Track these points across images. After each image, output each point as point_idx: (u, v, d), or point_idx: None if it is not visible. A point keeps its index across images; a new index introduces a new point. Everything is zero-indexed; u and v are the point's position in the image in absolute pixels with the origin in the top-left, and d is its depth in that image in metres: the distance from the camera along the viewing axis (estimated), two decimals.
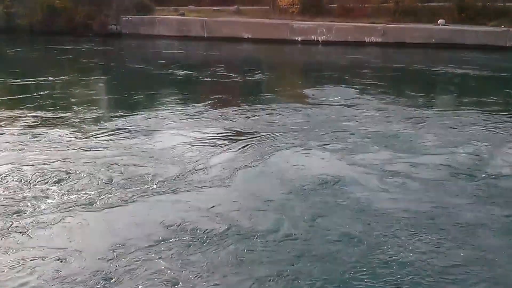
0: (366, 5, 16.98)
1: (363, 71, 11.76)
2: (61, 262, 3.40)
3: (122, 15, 18.25)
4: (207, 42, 16.90)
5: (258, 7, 18.46)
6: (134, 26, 18.27)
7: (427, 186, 4.72)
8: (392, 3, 16.50)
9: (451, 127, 6.71)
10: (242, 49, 16.05)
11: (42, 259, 3.45)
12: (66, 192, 4.46)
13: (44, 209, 4.16)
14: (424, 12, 16.06)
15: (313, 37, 16.41)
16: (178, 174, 4.91)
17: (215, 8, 18.71)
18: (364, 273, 3.32)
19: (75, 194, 4.44)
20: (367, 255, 3.52)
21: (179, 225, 3.91)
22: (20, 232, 3.79)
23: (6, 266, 3.36)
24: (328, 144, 5.93)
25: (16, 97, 9.03)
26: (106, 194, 4.43)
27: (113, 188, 4.56)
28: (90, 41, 16.84)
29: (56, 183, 4.67)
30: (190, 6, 18.99)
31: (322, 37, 16.33)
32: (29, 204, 4.25)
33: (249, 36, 16.93)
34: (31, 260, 3.44)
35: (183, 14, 17.99)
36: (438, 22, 15.43)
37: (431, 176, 4.94)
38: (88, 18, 18.09)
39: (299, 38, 16.51)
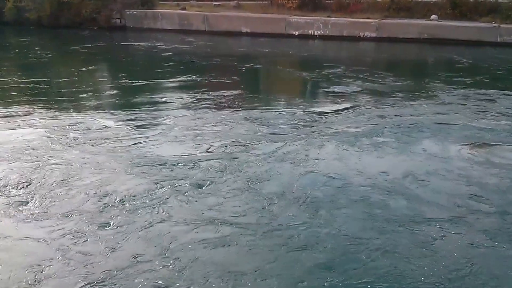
0: (362, 0, 17.38)
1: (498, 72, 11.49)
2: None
3: (127, 9, 18.90)
4: (209, 36, 17.46)
5: (257, 2, 18.94)
6: (138, 20, 18.92)
7: None
8: None
9: None
10: (292, 44, 15.90)
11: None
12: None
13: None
14: (418, 8, 16.45)
15: (310, 32, 16.88)
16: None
17: (215, 2, 19.26)
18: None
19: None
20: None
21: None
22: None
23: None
24: None
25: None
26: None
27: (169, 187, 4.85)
28: (146, 38, 16.78)
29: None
30: (191, 0, 19.57)
31: (318, 32, 16.80)
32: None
33: (248, 30, 17.45)
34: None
35: (184, 9, 18.58)
36: (431, 18, 15.79)
37: None
38: (94, 12, 18.78)
39: (296, 33, 16.99)
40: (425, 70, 12.49)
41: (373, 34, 16.03)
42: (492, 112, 7.61)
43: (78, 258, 3.68)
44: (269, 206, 4.47)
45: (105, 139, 6.25)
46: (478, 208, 4.49)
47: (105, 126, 6.81)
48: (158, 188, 4.81)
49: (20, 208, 4.44)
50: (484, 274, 3.53)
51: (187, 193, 4.71)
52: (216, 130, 6.64)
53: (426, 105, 8.09)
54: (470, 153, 5.80)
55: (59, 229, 4.09)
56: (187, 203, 4.53)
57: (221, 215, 4.31)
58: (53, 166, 5.35)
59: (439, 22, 15.64)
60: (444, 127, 6.81)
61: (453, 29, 15.27)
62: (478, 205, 4.54)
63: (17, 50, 14.76)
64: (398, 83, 9.99)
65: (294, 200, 4.60)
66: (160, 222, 4.20)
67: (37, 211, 4.39)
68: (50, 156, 5.62)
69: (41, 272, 3.52)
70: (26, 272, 3.52)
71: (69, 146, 6.00)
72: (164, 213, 4.35)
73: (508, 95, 8.88)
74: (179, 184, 4.90)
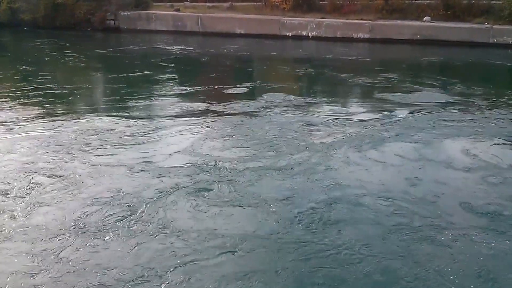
0: (355, 2, 17.42)
1: None
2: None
3: (121, 11, 18.93)
4: (203, 37, 17.51)
5: (251, 3, 18.98)
6: (132, 21, 18.97)
7: None
8: (380, 0, 16.90)
9: None
10: (309, 45, 15.99)
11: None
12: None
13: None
14: (411, 9, 16.47)
15: (304, 33, 16.92)
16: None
17: (209, 4, 19.30)
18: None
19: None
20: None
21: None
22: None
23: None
24: None
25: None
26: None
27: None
28: (167, 40, 16.64)
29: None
30: (185, 2, 19.60)
31: (312, 33, 16.83)
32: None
33: (242, 32, 17.50)
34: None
35: (178, 10, 18.61)
36: (424, 19, 15.81)
37: None
38: (88, 13, 18.82)
39: (290, 34, 17.02)
40: (482, 74, 11.87)
41: (367, 35, 16.06)
42: None
43: (73, 269, 3.59)
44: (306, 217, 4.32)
45: (137, 143, 6.21)
46: None
47: (147, 131, 6.70)
48: (173, 195, 4.68)
49: (14, 214, 4.36)
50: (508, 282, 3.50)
51: (212, 203, 4.57)
52: (262, 134, 6.45)
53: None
54: None
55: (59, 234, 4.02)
56: (216, 213, 4.38)
57: (244, 228, 4.16)
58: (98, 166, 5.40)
59: (432, 23, 15.66)
60: None
61: (445, 30, 15.29)
62: None
63: (54, 53, 14.57)
64: (471, 91, 9.35)
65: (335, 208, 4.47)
66: (167, 233, 4.05)
67: (37, 218, 4.28)
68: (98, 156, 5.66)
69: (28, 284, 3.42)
70: (10, 282, 3.44)
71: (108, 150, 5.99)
72: (175, 223, 4.21)
73: None
74: (207, 192, 4.77)
